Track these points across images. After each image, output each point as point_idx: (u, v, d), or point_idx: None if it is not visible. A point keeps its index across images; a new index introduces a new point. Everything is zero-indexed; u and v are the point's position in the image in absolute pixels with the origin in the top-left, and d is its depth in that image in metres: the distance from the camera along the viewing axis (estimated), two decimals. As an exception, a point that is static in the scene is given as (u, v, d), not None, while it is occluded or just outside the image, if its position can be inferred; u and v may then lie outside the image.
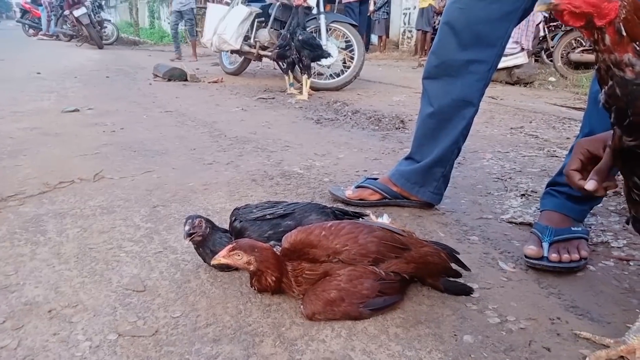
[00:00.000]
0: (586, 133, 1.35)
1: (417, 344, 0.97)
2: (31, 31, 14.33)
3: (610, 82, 0.76)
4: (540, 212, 1.48)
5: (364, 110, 3.75)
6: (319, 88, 4.81)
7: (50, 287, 1.14)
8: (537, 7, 0.81)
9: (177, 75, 5.44)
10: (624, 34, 0.73)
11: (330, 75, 4.99)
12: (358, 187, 1.75)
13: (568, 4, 0.76)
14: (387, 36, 11.81)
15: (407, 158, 1.71)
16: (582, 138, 1.12)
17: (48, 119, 3.12)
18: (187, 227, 1.17)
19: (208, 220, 1.23)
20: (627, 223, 0.94)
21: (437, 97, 1.56)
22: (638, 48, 0.74)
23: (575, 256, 1.29)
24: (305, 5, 4.46)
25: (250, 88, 5.00)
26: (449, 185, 1.72)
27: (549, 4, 0.77)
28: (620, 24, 0.73)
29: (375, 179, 1.77)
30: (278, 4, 5.02)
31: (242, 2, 5.35)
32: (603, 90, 0.78)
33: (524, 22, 5.50)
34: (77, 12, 10.03)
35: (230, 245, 1.07)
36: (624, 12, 0.73)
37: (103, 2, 14.03)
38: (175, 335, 0.98)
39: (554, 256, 1.27)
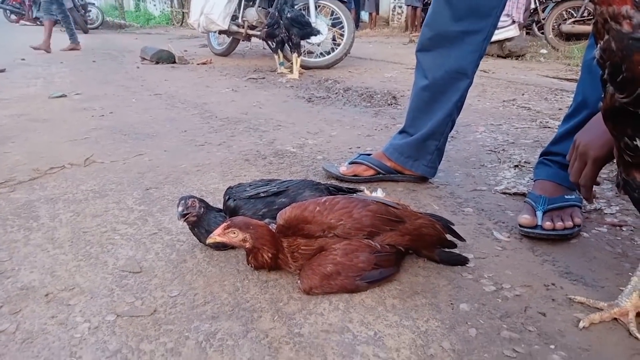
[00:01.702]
0: (579, 102, 1.35)
1: (414, 313, 0.98)
2: (13, 17, 13.98)
3: (607, 36, 0.75)
4: (534, 181, 1.48)
5: (355, 87, 3.72)
6: (309, 66, 4.76)
7: (46, 272, 1.14)
8: None
9: (165, 58, 5.35)
10: None
11: (321, 53, 4.93)
12: (352, 163, 1.74)
13: None
14: (377, 13, 11.66)
15: (401, 132, 1.71)
16: (578, 133, 1.11)
17: (35, 105, 3.07)
18: (180, 208, 1.17)
19: (202, 200, 1.23)
20: (618, 187, 0.95)
21: (431, 69, 1.54)
22: (637, 0, 0.73)
23: (569, 223, 1.30)
24: (293, -19, 4.37)
25: (240, 68, 4.93)
26: (443, 159, 1.72)
27: None
28: None
29: (369, 154, 1.76)
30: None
31: (228, -19, 5.23)
32: (598, 45, 0.77)
33: (514, -7, 5.45)
34: None
35: (225, 224, 1.06)
36: None
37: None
38: (173, 314, 0.99)
39: (547, 224, 1.28)
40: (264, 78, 4.29)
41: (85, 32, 10.24)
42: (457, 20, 1.45)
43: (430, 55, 1.54)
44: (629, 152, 0.86)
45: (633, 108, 0.78)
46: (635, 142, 0.83)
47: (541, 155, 1.49)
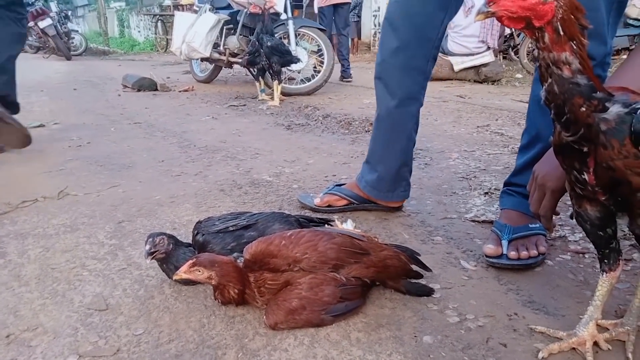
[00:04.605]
0: (533, 135, 1.41)
1: (378, 347, 0.99)
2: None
3: (550, 80, 0.79)
4: (500, 210, 1.52)
5: (334, 114, 3.78)
6: (290, 93, 4.83)
7: (9, 311, 1.13)
8: (475, 17, 0.84)
9: (147, 85, 5.37)
10: (562, 32, 0.77)
11: (302, 80, 5.01)
12: (326, 194, 1.77)
13: (505, 10, 0.79)
14: (359, 38, 11.90)
15: (369, 164, 1.72)
16: (537, 165, 1.15)
17: (12, 135, 3.04)
18: (147, 247, 1.17)
19: (171, 237, 1.23)
20: (572, 218, 0.98)
21: (385, 97, 1.57)
22: (575, 47, 0.77)
23: (534, 252, 1.33)
24: (272, 11, 4.47)
25: (221, 95, 4.98)
26: (415, 186, 1.75)
27: (487, 13, 0.80)
28: (558, 23, 0.76)
29: (343, 184, 1.79)
30: (246, 10, 5.01)
31: (210, 10, 5.33)
32: (543, 88, 0.81)
33: (489, 20, 5.64)
34: (42, 24, 9.81)
35: (191, 261, 1.07)
36: (561, 11, 0.76)
37: (70, 13, 13.79)
38: (137, 353, 0.98)
39: (512, 254, 1.31)
40: (244, 105, 4.33)
41: (69, 58, 10.26)
42: (403, 45, 1.48)
43: (382, 83, 1.57)
44: (579, 185, 0.90)
45: (578, 146, 0.83)
46: (583, 176, 0.87)
47: (504, 185, 1.53)
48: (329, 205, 1.74)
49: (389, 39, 1.50)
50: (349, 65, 6.20)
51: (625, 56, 2.45)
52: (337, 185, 1.80)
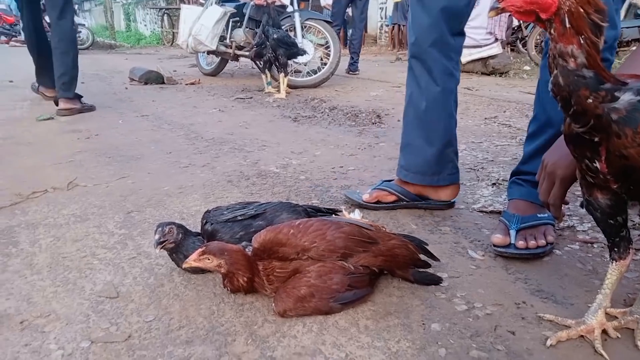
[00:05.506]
0: (543, 121, 1.40)
1: (387, 334, 1.00)
2: (3, 38, 14.04)
3: (555, 71, 0.79)
4: (508, 200, 1.51)
5: (341, 106, 3.77)
6: (296, 86, 4.82)
7: (22, 298, 1.14)
8: (488, 14, 0.85)
9: (154, 78, 5.39)
10: (568, 25, 0.76)
11: (308, 72, 5.00)
12: (375, 189, 1.69)
13: (511, 5, 0.80)
14: (366, 31, 11.84)
15: (409, 145, 1.65)
16: (546, 153, 1.14)
17: (21, 128, 3.08)
18: (157, 236, 1.17)
19: (180, 226, 1.24)
20: (582, 206, 0.98)
21: (423, 75, 1.54)
22: (583, 41, 0.77)
23: (542, 242, 1.32)
24: (278, 3, 4.46)
25: (228, 88, 4.98)
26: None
27: (497, 9, 0.81)
28: (565, 15, 0.76)
29: (391, 180, 1.72)
30: (252, 3, 5.00)
31: (216, 3, 5.32)
32: (550, 79, 0.81)
33: (497, 12, 5.60)
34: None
35: (200, 249, 1.08)
36: (568, 4, 0.76)
37: (76, 7, 13.83)
38: (148, 339, 0.99)
39: (520, 243, 1.31)
40: (251, 98, 4.34)
41: (76, 52, 10.27)
42: (434, 22, 1.45)
43: (423, 66, 1.53)
44: (590, 174, 0.90)
45: (589, 136, 0.82)
46: (595, 164, 0.87)
47: (512, 174, 1.52)
48: (378, 201, 1.67)
49: (419, 16, 1.48)
50: (358, 58, 6.17)
51: (635, 47, 2.43)
52: (385, 181, 1.73)
